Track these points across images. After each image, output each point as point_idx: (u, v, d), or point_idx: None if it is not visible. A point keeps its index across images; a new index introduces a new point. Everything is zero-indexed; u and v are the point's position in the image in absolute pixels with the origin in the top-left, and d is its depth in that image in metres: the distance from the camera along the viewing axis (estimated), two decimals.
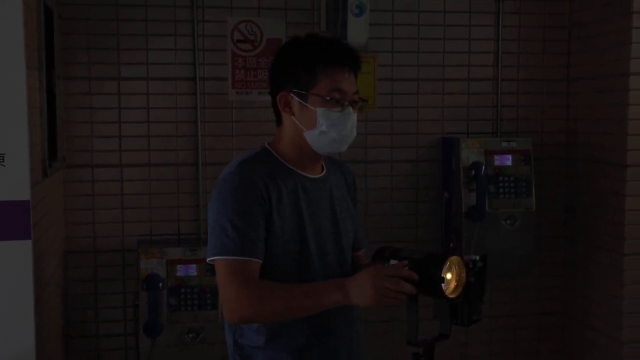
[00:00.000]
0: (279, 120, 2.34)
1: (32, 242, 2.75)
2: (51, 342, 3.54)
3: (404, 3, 4.62)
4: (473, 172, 4.44)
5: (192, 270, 4.04)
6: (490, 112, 4.78)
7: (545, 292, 4.94)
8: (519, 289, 4.91)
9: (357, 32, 4.13)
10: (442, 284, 2.05)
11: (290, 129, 2.30)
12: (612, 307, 4.39)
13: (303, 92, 2.23)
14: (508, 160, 4.55)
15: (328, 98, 2.22)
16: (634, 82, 4.18)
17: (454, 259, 2.07)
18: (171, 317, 4.03)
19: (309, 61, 2.24)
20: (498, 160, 4.54)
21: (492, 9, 4.73)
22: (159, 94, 4.40)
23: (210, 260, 2.21)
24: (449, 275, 2.07)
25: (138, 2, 4.33)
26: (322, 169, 2.40)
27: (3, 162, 2.69)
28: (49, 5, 3.73)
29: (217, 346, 3.99)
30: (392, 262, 2.13)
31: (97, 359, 4.44)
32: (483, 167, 4.44)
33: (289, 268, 2.25)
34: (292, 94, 2.25)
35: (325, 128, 2.23)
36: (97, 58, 4.31)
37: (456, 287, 2.09)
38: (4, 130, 2.69)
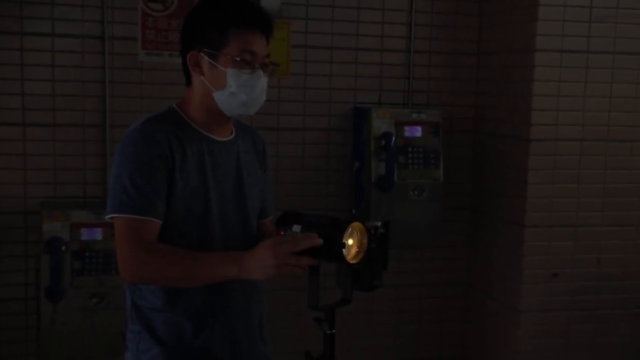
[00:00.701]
0: (188, 81, 2.35)
1: None
2: None
3: None
4: (383, 142, 4.53)
5: (97, 234, 4.00)
6: (401, 84, 4.87)
7: (451, 262, 5.09)
8: (425, 259, 5.05)
9: None
10: (344, 249, 2.09)
11: (200, 90, 2.30)
12: (512, 278, 4.57)
13: (214, 52, 2.25)
14: (418, 131, 4.65)
15: (239, 59, 2.24)
16: (539, 59, 4.31)
17: (356, 224, 2.12)
18: (74, 282, 3.99)
19: (221, 21, 2.25)
20: (408, 132, 4.63)
21: None
22: (65, 52, 4.31)
23: (109, 218, 2.21)
24: (350, 241, 2.10)
25: None
26: (231, 133, 2.41)
27: None
28: None
29: (122, 311, 3.96)
30: (295, 227, 2.16)
31: None
32: (393, 138, 4.53)
33: (189, 232, 2.25)
34: (202, 54, 2.26)
35: (234, 89, 2.25)
36: None
37: (357, 252, 2.13)
38: None
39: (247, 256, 2.10)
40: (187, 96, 2.36)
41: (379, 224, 2.18)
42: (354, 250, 2.13)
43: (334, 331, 2.23)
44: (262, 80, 2.29)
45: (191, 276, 2.16)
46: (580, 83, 4.39)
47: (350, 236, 2.12)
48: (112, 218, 2.21)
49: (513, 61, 4.57)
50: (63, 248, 3.93)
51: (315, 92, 4.74)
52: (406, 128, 4.63)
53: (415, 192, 4.65)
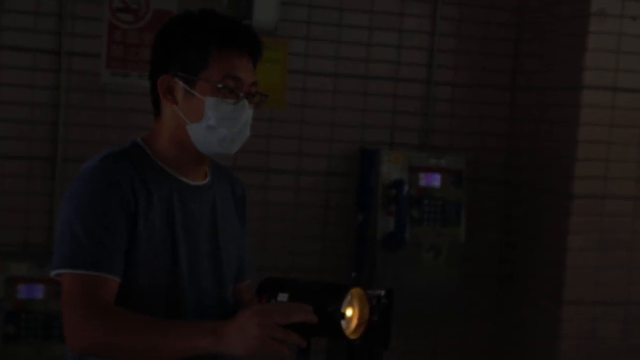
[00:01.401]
0: (157, 111, 2.34)
1: None
2: None
3: None
4: (394, 191, 4.53)
5: (39, 292, 3.98)
6: (419, 121, 4.90)
7: (472, 342, 5.05)
8: (442, 336, 5.02)
9: (264, 11, 4.18)
10: (343, 322, 2.06)
11: (171, 122, 2.29)
12: None
13: (190, 77, 2.24)
14: (436, 180, 4.67)
15: (221, 86, 2.23)
16: (588, 98, 4.34)
17: (356, 291, 2.10)
18: (7, 350, 3.96)
19: (201, 40, 2.25)
20: (424, 180, 4.65)
21: None
22: (11, 68, 4.34)
23: (56, 275, 2.17)
24: (349, 312, 2.09)
25: None
26: (206, 176, 2.40)
27: None
28: None
29: None
30: (281, 296, 2.12)
31: None
32: (406, 187, 4.54)
33: (153, 295, 2.23)
34: (176, 79, 2.26)
35: (213, 122, 2.24)
36: None
37: (358, 326, 2.11)
38: None
39: (227, 325, 2.06)
40: (155, 129, 2.35)
41: (383, 292, 2.17)
42: (354, 323, 2.11)
43: None
44: (247, 113, 2.29)
45: (158, 348, 2.10)
46: (636, 129, 4.41)
47: (350, 305, 2.10)
48: (59, 275, 2.17)
49: (555, 99, 4.59)
50: None
51: (314, 128, 4.76)
52: (422, 176, 4.65)
53: (431, 254, 4.65)
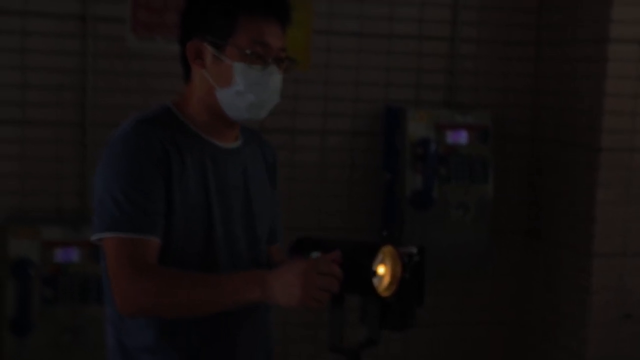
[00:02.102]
0: (187, 75, 2.37)
1: None
2: None
3: None
4: (420, 150, 4.54)
5: (74, 254, 4.04)
6: (443, 78, 4.89)
7: (499, 297, 5.08)
8: (469, 293, 5.05)
9: None
10: (374, 279, 2.10)
11: (201, 86, 2.32)
12: (576, 319, 4.56)
13: (219, 42, 2.27)
14: (463, 137, 4.66)
15: (248, 51, 2.25)
16: (614, 51, 4.32)
17: (388, 249, 2.13)
18: (45, 313, 4.03)
19: (228, 5, 2.27)
20: (451, 137, 4.65)
21: None
22: (37, 34, 4.36)
23: (97, 239, 2.21)
24: (381, 269, 2.12)
25: None
26: (237, 139, 2.43)
27: None
28: None
29: (102, 351, 3.99)
30: (314, 254, 2.17)
31: None
32: (432, 145, 4.54)
33: (189, 256, 2.27)
34: (205, 43, 2.29)
35: (242, 87, 2.27)
36: None
37: (390, 283, 2.15)
38: None
39: (272, 278, 2.11)
40: (185, 93, 2.38)
41: (415, 250, 2.20)
42: (386, 281, 2.14)
43: None
44: (276, 78, 2.31)
45: (209, 302, 2.17)
46: None
47: (381, 263, 2.13)
48: (101, 239, 2.22)
49: (581, 53, 4.57)
50: (32, 272, 3.96)
51: (338, 88, 4.76)
52: (448, 133, 4.65)
53: (459, 211, 4.66)
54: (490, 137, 4.73)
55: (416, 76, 4.86)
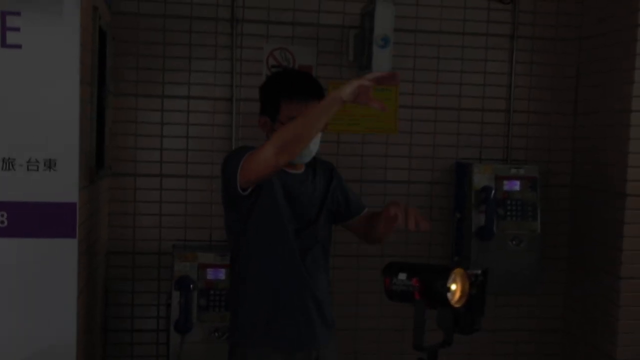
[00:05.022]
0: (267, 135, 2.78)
1: (77, 240, 2.81)
2: (90, 334, 3.60)
3: (425, 38, 4.67)
4: (483, 195, 4.46)
5: (221, 274, 4.06)
6: (501, 141, 4.79)
7: (547, 310, 4.91)
8: (522, 306, 4.89)
9: (381, 62, 4.17)
10: (448, 294, 2.08)
11: None
12: (609, 327, 4.37)
13: (271, 119, 2.73)
14: (516, 185, 4.56)
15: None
16: (635, 119, 4.19)
17: (458, 271, 2.13)
18: (200, 317, 4.06)
19: (274, 93, 2.73)
20: (507, 185, 4.55)
21: (506, 45, 4.76)
22: (198, 112, 4.47)
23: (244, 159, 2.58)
24: (453, 286, 2.11)
25: (183, 28, 4.42)
26: (303, 169, 2.85)
27: (55, 167, 2.75)
28: (104, 28, 3.81)
29: None
30: (401, 275, 2.17)
31: (131, 351, 4.49)
32: (493, 191, 4.45)
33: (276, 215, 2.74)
34: (267, 118, 2.76)
35: None
36: (145, 77, 4.40)
37: (460, 297, 2.13)
38: (57, 137, 2.75)
39: (334, 89, 2.43)
40: None
41: (479, 271, 2.17)
42: (457, 295, 2.12)
43: None
44: None
45: (310, 126, 2.42)
46: None
47: (454, 281, 2.11)
48: (244, 159, 2.58)
49: (609, 120, 4.43)
50: (191, 286, 4.01)
51: (420, 148, 4.72)
52: (505, 182, 4.55)
53: (514, 242, 4.53)
54: (538, 185, 4.60)
55: (480, 140, 4.77)
